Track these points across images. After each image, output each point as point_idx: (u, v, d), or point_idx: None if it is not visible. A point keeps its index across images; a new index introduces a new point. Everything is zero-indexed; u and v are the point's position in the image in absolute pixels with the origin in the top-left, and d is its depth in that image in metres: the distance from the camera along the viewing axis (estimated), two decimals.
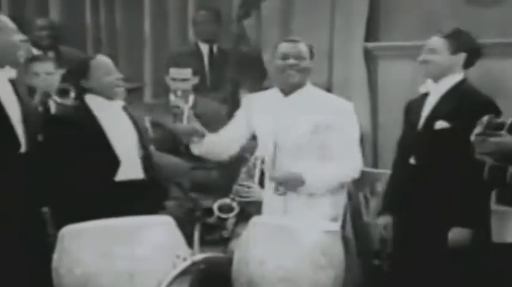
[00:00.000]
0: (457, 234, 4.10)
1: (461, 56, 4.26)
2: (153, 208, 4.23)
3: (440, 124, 4.19)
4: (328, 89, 5.55)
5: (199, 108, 5.16)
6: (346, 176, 4.25)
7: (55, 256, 3.55)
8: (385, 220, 4.39)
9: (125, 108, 4.52)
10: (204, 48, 6.38)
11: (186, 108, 5.06)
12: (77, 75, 4.48)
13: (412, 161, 4.27)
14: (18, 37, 4.19)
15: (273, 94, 4.29)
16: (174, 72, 5.54)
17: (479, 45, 4.36)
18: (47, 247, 3.94)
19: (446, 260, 4.13)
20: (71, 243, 3.51)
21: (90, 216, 3.64)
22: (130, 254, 3.45)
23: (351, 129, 4.22)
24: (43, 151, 4.25)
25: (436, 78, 4.29)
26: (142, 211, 3.80)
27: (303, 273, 3.48)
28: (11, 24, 4.18)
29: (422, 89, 4.42)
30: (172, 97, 5.47)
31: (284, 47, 4.22)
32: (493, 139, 3.59)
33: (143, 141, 4.50)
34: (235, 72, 6.28)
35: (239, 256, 3.60)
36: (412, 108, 4.41)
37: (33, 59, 5.22)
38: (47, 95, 4.75)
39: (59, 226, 3.68)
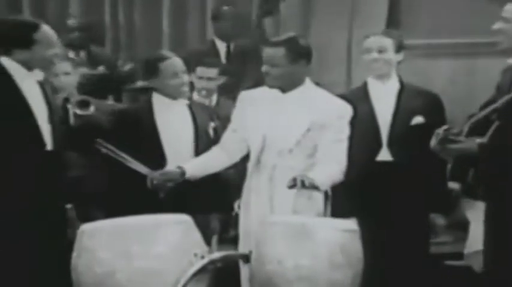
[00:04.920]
0: (434, 220, 4.43)
1: (401, 55, 4.45)
2: (213, 206, 4.19)
3: (417, 120, 4.30)
4: (347, 88, 5.55)
5: (223, 109, 5.14)
6: (339, 177, 4.12)
7: (74, 254, 3.57)
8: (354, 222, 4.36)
9: (189, 107, 4.55)
10: (221, 46, 6.37)
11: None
12: (146, 74, 4.56)
13: (384, 157, 4.34)
14: (55, 51, 4.21)
15: (269, 91, 4.20)
16: (201, 71, 5.55)
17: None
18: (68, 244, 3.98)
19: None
20: (89, 241, 3.51)
21: (134, 212, 3.65)
22: (148, 253, 3.45)
23: (344, 131, 4.13)
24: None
25: (384, 76, 4.43)
26: (200, 209, 3.85)
27: (321, 272, 3.46)
28: (53, 38, 4.19)
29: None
30: (195, 95, 5.48)
31: (263, 52, 4.16)
32: (453, 146, 3.74)
33: (199, 140, 4.51)
34: (254, 69, 6.27)
35: (257, 254, 3.59)
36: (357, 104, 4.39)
37: None
38: (66, 101, 4.78)
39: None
